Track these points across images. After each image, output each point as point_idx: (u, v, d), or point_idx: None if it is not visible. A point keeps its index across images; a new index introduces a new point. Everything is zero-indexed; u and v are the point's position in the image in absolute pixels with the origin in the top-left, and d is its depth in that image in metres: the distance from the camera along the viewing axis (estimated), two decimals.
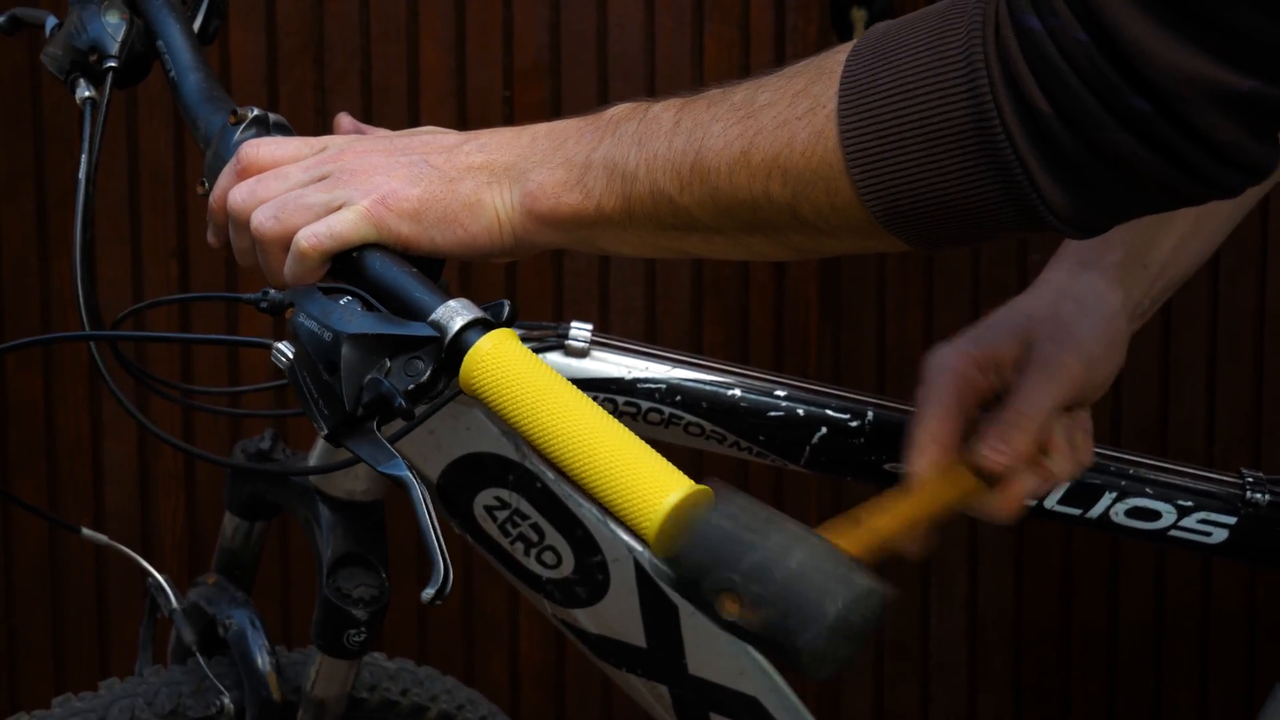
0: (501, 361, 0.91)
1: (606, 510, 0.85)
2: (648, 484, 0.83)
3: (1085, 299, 1.20)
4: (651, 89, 2.23)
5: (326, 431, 0.95)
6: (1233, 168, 0.90)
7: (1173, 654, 2.35)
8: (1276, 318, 2.29)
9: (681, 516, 0.81)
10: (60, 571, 2.31)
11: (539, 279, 2.26)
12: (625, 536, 1.29)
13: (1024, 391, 1.16)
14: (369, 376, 0.94)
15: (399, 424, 0.99)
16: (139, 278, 2.25)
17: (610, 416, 0.87)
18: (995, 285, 2.26)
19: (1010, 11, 0.89)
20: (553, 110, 2.24)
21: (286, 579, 2.29)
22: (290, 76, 2.23)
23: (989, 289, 2.27)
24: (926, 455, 1.15)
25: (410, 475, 0.93)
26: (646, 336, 2.26)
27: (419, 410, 1.21)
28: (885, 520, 1.08)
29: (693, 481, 0.84)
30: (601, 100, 2.22)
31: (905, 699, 2.37)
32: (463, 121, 2.23)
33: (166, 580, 1.41)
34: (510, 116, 2.23)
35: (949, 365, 1.18)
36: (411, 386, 0.94)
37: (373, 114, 2.22)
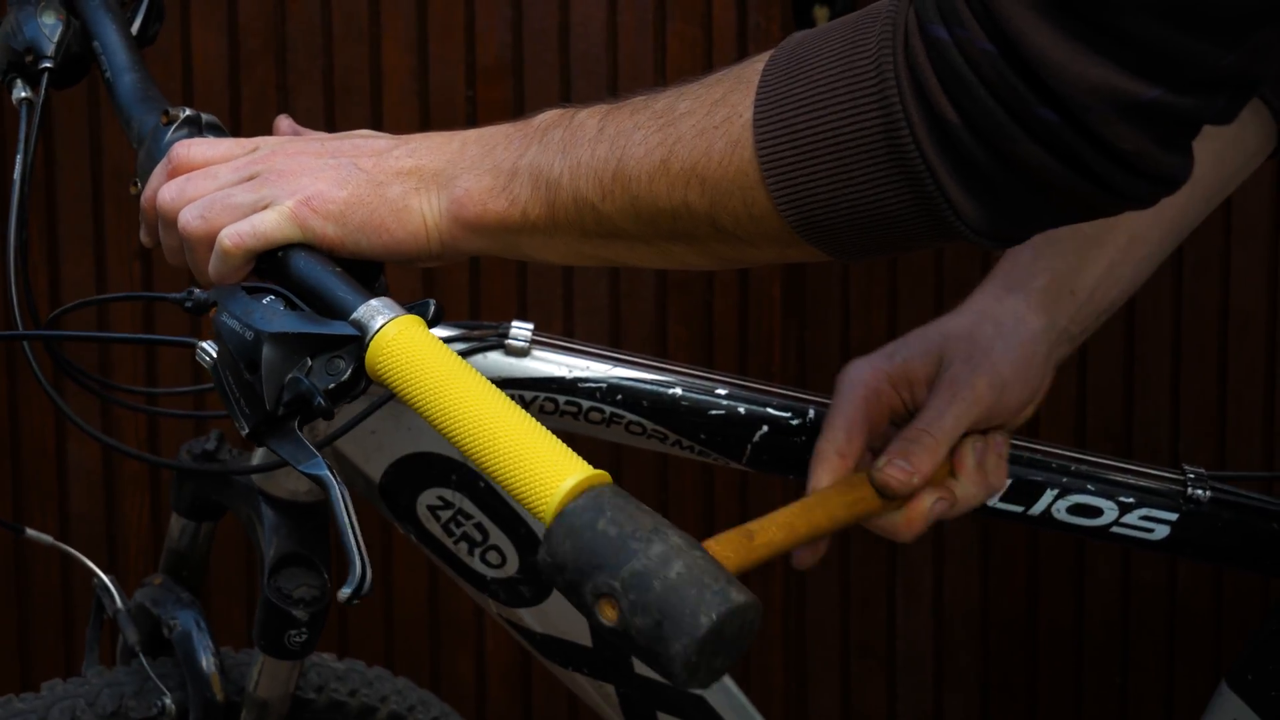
0: (405, 347, 0.91)
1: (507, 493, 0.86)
2: (546, 468, 0.84)
3: (1004, 322, 1.20)
4: (614, 88, 2.23)
5: (247, 431, 0.95)
6: (1142, 178, 0.89)
7: (1139, 651, 2.35)
8: (1240, 315, 2.29)
9: (569, 519, 0.82)
10: (25, 570, 2.30)
11: (503, 278, 2.26)
12: None
13: (931, 411, 1.16)
14: (290, 375, 0.94)
15: (322, 423, 0.99)
16: (102, 278, 2.25)
17: (513, 403, 0.88)
18: (959, 284, 2.26)
19: (919, 21, 0.89)
20: (516, 109, 2.24)
21: (251, 578, 2.29)
22: (252, 77, 2.23)
23: (952, 288, 2.27)
24: (827, 467, 1.15)
25: (329, 475, 0.93)
26: (610, 336, 2.26)
27: (359, 410, 1.22)
28: (778, 534, 1.07)
29: (590, 467, 0.84)
30: (565, 99, 2.21)
31: (872, 697, 2.37)
32: (426, 121, 2.23)
33: (112, 581, 1.41)
34: (473, 116, 2.23)
35: (860, 379, 1.18)
36: (332, 385, 0.94)
37: (335, 114, 2.21)
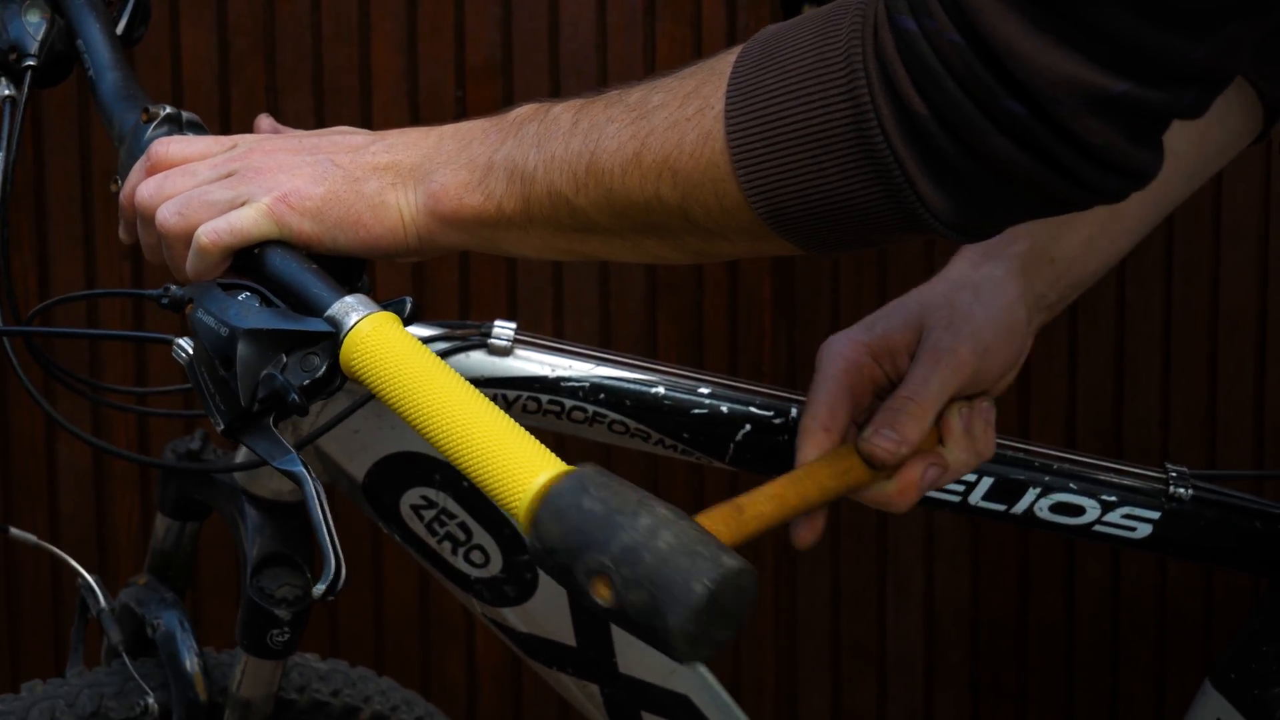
0: (379, 343, 0.91)
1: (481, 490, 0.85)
2: (520, 465, 0.84)
3: (982, 288, 1.19)
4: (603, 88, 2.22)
5: (223, 427, 0.96)
6: (1111, 172, 0.89)
7: (1130, 651, 2.35)
8: (1230, 314, 2.29)
9: (554, 500, 0.81)
10: (14, 570, 2.30)
11: (492, 278, 2.26)
12: None
13: (915, 379, 1.15)
14: (264, 372, 0.94)
15: (303, 421, 0.99)
16: (92, 277, 2.25)
17: (487, 400, 0.88)
18: None
19: (888, 13, 0.88)
20: (505, 109, 2.23)
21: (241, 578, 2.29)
22: (242, 77, 2.22)
23: None
24: (814, 442, 1.14)
25: (304, 471, 0.93)
26: (600, 336, 2.26)
27: (341, 408, 1.22)
28: (767, 506, 1.06)
29: (564, 464, 0.84)
30: (554, 99, 2.21)
31: (862, 697, 2.37)
32: (415, 121, 2.22)
33: (96, 581, 1.41)
34: (463, 116, 2.21)
35: (841, 353, 1.17)
36: (307, 382, 0.94)
37: (325, 114, 2.21)
